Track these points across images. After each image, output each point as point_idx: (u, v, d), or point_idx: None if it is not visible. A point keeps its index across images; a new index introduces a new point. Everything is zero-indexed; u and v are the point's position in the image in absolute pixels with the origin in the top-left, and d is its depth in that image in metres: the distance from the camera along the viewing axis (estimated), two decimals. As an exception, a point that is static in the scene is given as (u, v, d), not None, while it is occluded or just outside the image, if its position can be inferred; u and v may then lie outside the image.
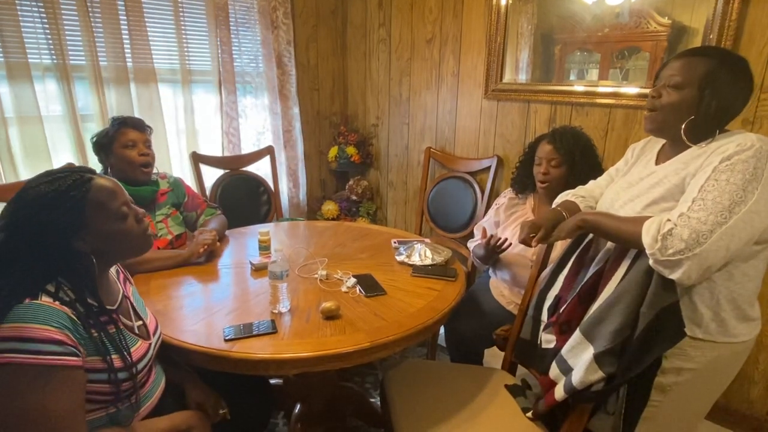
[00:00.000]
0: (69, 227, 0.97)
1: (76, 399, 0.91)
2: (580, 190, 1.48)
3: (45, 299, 0.91)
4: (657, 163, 1.25)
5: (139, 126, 1.81)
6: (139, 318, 1.16)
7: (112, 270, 1.17)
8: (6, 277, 0.92)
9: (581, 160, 1.75)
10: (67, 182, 0.97)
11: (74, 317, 0.93)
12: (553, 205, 1.45)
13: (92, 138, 1.81)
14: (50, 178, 0.98)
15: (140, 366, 1.07)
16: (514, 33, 2.36)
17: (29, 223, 0.94)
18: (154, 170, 1.89)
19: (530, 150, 1.91)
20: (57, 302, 0.92)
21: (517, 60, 2.40)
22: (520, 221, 1.89)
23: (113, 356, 0.99)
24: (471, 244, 2.06)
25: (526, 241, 1.36)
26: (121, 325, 1.06)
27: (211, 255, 1.80)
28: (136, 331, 1.12)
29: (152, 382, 1.15)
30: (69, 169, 1.02)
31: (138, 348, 1.08)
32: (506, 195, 2.02)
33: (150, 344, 1.14)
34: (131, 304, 1.16)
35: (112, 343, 1.00)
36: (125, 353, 1.02)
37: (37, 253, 0.94)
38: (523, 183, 1.93)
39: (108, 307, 1.04)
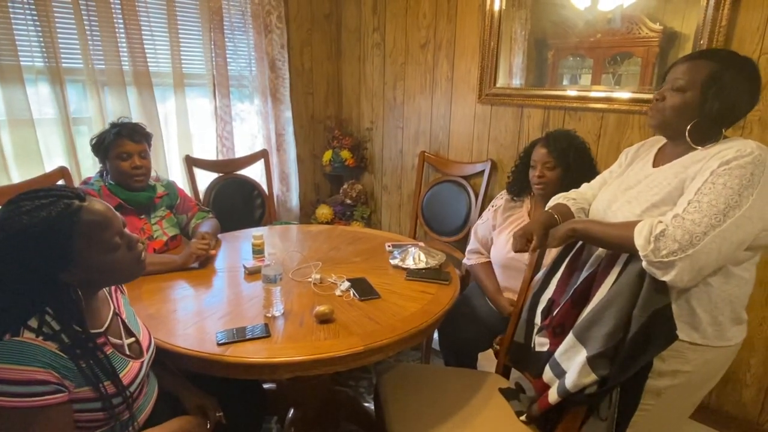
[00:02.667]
0: (56, 261, 0.91)
1: None
2: (572, 192, 1.48)
3: (27, 335, 0.88)
4: (655, 165, 1.26)
5: (136, 137, 1.78)
6: (131, 335, 1.12)
7: None
8: None
9: (575, 161, 1.77)
10: (53, 213, 0.90)
11: (59, 352, 0.89)
12: (546, 208, 1.46)
13: (91, 140, 1.79)
14: (35, 204, 0.90)
15: (132, 388, 1.04)
16: (507, 38, 2.38)
17: (12, 256, 0.89)
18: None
19: (525, 155, 1.92)
20: (40, 337, 0.88)
21: (510, 65, 2.41)
22: (515, 224, 1.90)
23: (105, 383, 0.96)
24: (469, 256, 2.05)
25: (522, 251, 1.37)
26: (109, 350, 1.02)
27: (204, 260, 1.79)
28: (127, 351, 1.08)
29: (145, 394, 1.13)
30: (55, 192, 0.94)
31: (129, 370, 1.04)
32: (503, 197, 2.02)
33: (142, 362, 1.10)
34: (122, 321, 1.12)
35: (102, 370, 0.96)
36: (117, 379, 0.99)
37: (20, 287, 0.90)
38: (519, 187, 1.94)
39: (96, 331, 1.00)
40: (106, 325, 1.06)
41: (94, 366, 0.94)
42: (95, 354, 0.96)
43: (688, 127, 1.14)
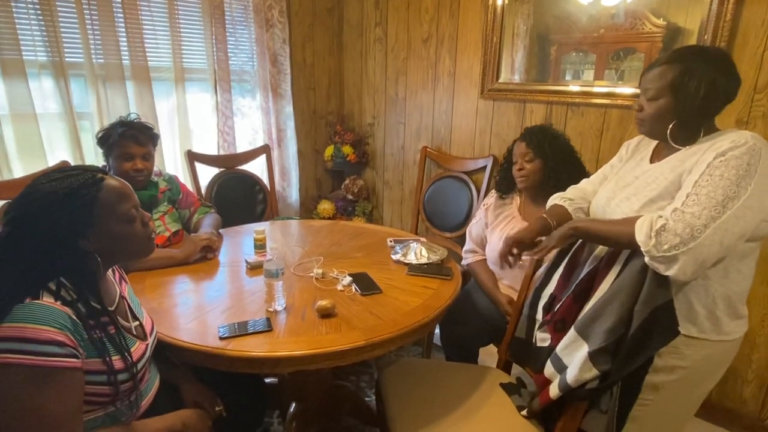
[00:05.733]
0: (77, 226, 0.96)
1: (74, 401, 0.90)
2: (569, 192, 1.49)
3: (46, 299, 0.90)
4: (652, 161, 1.26)
5: (141, 138, 1.77)
6: (136, 318, 1.15)
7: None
8: (8, 274, 0.91)
9: (552, 150, 1.79)
10: (78, 181, 0.97)
11: (75, 318, 0.92)
12: (546, 209, 1.46)
13: (98, 133, 1.79)
14: (62, 175, 0.97)
15: (139, 366, 1.06)
16: (510, 33, 2.37)
17: (37, 219, 0.93)
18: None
19: (509, 153, 1.95)
20: (58, 302, 0.91)
21: (513, 60, 2.40)
22: (507, 221, 1.91)
23: (113, 357, 0.98)
24: (466, 255, 2.06)
25: (504, 256, 1.44)
26: (120, 326, 1.05)
27: (208, 253, 1.79)
28: (134, 332, 1.11)
29: (147, 381, 1.14)
30: (81, 167, 1.02)
31: (136, 349, 1.07)
32: (492, 195, 2.04)
33: (147, 345, 1.13)
34: (128, 304, 1.15)
35: (113, 343, 0.99)
36: (126, 354, 1.01)
37: (42, 250, 0.93)
38: (507, 185, 1.97)
39: (108, 308, 1.03)
40: (115, 305, 1.09)
41: (105, 338, 0.97)
42: (107, 328, 0.99)
43: (668, 131, 1.15)
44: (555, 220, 1.39)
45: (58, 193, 0.94)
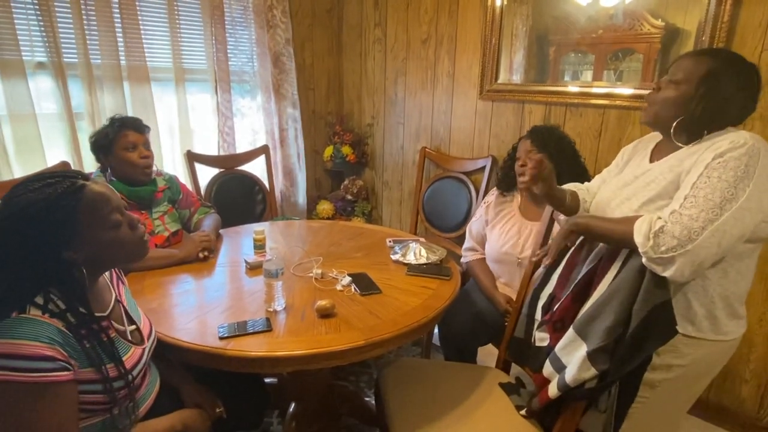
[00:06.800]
0: (60, 237, 0.92)
1: (68, 414, 0.90)
2: (575, 185, 1.49)
3: (33, 312, 0.88)
4: (651, 161, 1.26)
5: (139, 127, 1.81)
6: (132, 322, 1.13)
7: None
8: None
9: (556, 150, 1.79)
10: (58, 189, 0.92)
11: (65, 330, 0.90)
12: None
13: (91, 137, 1.80)
14: (40, 184, 0.92)
15: (134, 373, 1.05)
16: (509, 34, 2.37)
17: (18, 232, 0.89)
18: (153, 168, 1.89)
19: (513, 151, 1.96)
20: (46, 315, 0.89)
21: (511, 61, 2.41)
22: (507, 219, 1.93)
23: (108, 366, 0.96)
24: (465, 253, 2.07)
25: (529, 182, 1.30)
26: (113, 333, 1.03)
27: (207, 253, 1.79)
28: (129, 337, 1.09)
29: (147, 384, 1.14)
30: (60, 173, 0.96)
31: (131, 355, 1.05)
32: (493, 193, 2.05)
33: (144, 349, 1.11)
34: (124, 308, 1.13)
35: (106, 352, 0.97)
36: (119, 362, 0.99)
37: (26, 264, 0.90)
38: (509, 183, 1.98)
39: (99, 315, 1.01)
40: (109, 310, 1.07)
41: (98, 347, 0.95)
42: (99, 336, 0.97)
43: (674, 125, 1.14)
44: (570, 197, 1.38)
45: (37, 204, 0.89)
